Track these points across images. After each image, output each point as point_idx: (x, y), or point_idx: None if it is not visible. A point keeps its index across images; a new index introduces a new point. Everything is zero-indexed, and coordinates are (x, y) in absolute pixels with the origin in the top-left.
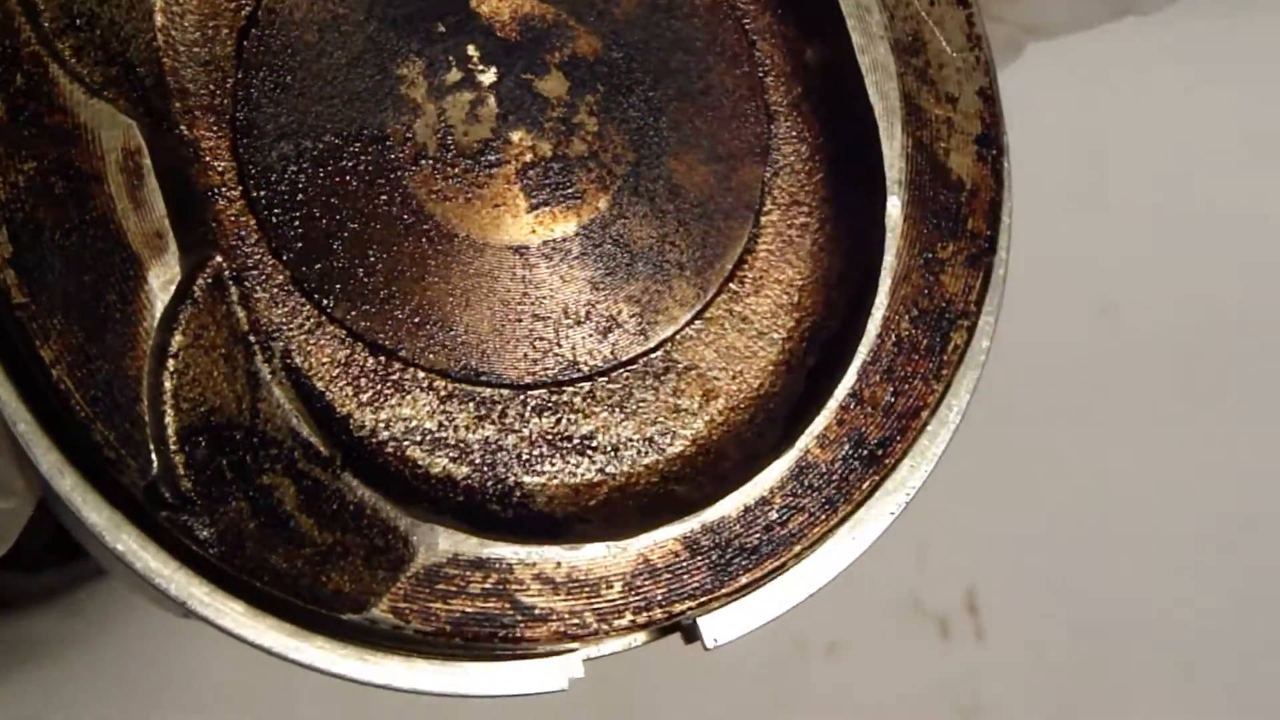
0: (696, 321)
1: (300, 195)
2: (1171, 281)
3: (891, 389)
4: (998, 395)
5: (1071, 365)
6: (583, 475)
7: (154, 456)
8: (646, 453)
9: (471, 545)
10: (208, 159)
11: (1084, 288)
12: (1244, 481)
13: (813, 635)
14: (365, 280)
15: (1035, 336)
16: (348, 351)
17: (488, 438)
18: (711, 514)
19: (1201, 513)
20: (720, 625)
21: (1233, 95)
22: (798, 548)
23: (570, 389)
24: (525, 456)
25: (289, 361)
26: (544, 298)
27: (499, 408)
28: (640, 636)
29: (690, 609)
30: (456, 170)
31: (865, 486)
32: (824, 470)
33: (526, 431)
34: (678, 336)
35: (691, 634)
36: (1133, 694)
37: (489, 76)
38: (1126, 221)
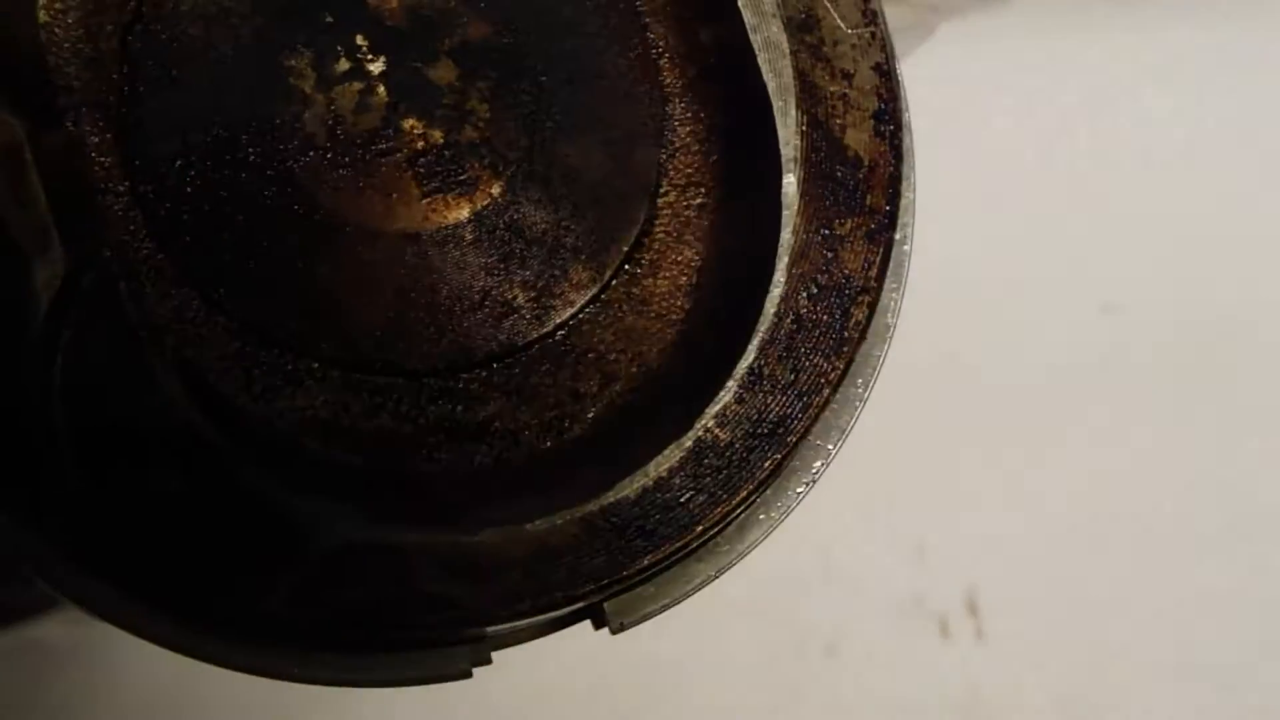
0: (593, 305)
1: (188, 189)
2: (1165, 278)
3: (791, 366)
4: (997, 395)
5: (1071, 364)
6: (480, 461)
7: (43, 457)
8: (544, 438)
9: (368, 533)
10: (93, 154)
11: (1084, 286)
12: (1246, 479)
13: (813, 635)
14: (256, 272)
15: (1033, 336)
16: (239, 344)
17: (383, 426)
18: (610, 497)
19: (1203, 511)
20: (625, 608)
21: (1178, 80)
22: (699, 528)
23: (466, 376)
24: (421, 444)
25: (180, 355)
26: (438, 285)
27: (394, 396)
28: (538, 623)
29: (591, 592)
30: (347, 160)
31: (768, 465)
32: (724, 450)
33: (422, 420)
34: (575, 320)
35: (599, 619)
36: (1132, 694)
37: (378, 65)
38: (1123, 218)
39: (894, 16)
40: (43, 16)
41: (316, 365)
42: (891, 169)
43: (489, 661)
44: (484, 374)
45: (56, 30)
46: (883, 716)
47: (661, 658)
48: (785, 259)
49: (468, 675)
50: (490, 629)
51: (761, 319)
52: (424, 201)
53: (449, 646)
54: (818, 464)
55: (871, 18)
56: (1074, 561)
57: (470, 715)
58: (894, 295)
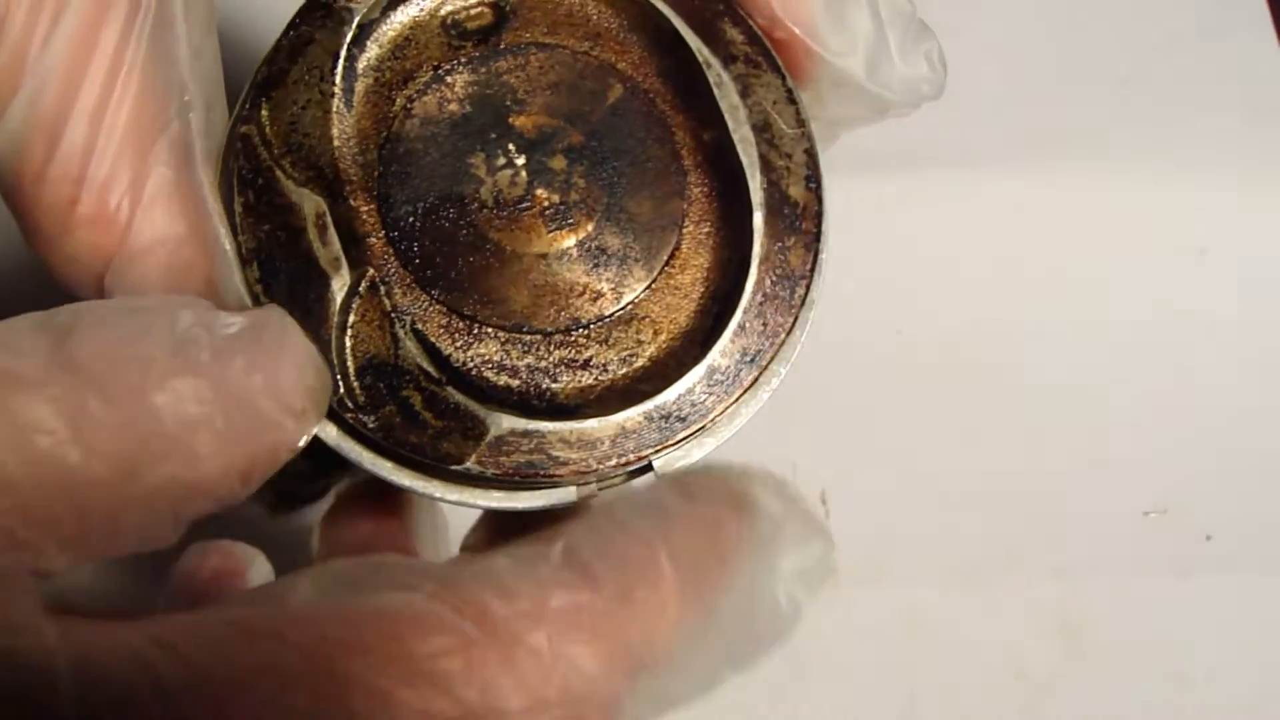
0: (647, 290)
1: (417, 233)
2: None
3: (761, 322)
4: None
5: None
6: (584, 381)
7: (340, 383)
8: (621, 367)
9: (521, 424)
10: (364, 216)
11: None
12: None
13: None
14: (456, 278)
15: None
16: (447, 319)
17: (530, 364)
18: (659, 399)
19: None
20: (666, 465)
21: None
22: (711, 415)
23: (576, 333)
24: (551, 372)
25: (415, 327)
26: (559, 282)
27: (535, 346)
28: (621, 474)
29: (648, 454)
30: (504, 214)
31: (748, 380)
32: (724, 370)
33: (553, 358)
34: (637, 299)
35: (651, 470)
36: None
37: (520, 160)
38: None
39: (818, 130)
40: (336, 143)
41: (490, 329)
42: (816, 207)
43: (595, 495)
44: (586, 332)
45: (344, 150)
46: None
47: None
48: (756, 261)
49: (574, 501)
50: (592, 478)
51: (744, 295)
52: (548, 235)
53: (566, 486)
54: (775, 380)
55: (803, 123)
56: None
57: None
58: (818, 279)
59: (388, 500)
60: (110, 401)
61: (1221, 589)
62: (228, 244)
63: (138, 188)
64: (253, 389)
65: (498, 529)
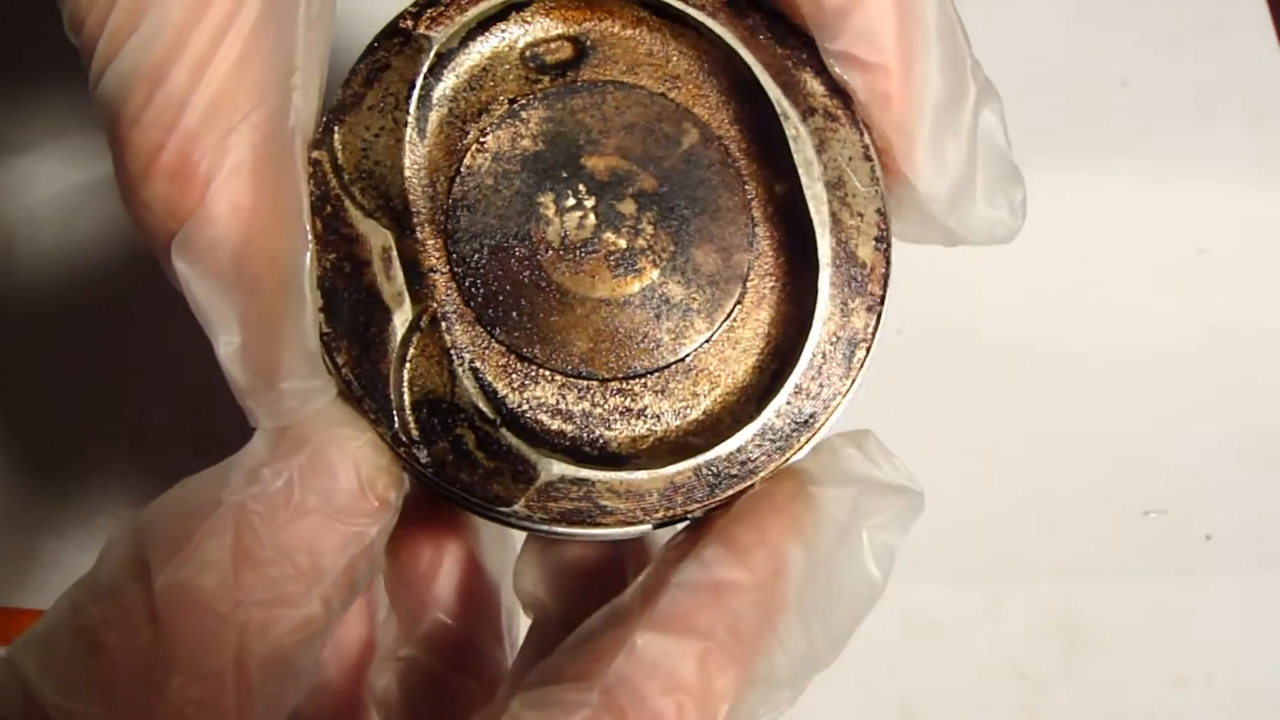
0: (707, 343)
1: (481, 270)
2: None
3: (819, 384)
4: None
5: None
6: (637, 431)
7: (396, 417)
8: (675, 419)
9: (572, 470)
10: (430, 250)
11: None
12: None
13: None
14: (517, 319)
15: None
16: (506, 360)
17: (585, 409)
18: (710, 455)
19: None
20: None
21: None
22: (761, 474)
23: (634, 381)
24: (605, 420)
25: (472, 365)
26: (619, 329)
27: (592, 392)
28: (667, 526)
29: (696, 509)
30: (570, 256)
31: (802, 440)
32: (778, 430)
33: (607, 406)
34: (696, 351)
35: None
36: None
37: (590, 202)
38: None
39: None
40: (407, 174)
41: (547, 372)
42: (884, 269)
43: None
44: (643, 381)
45: (414, 181)
46: None
47: None
48: (819, 320)
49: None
50: (638, 526)
51: (803, 354)
52: (613, 280)
53: (612, 529)
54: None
55: (876, 181)
56: None
57: None
58: (878, 341)
59: (449, 523)
60: (198, 621)
61: (1221, 589)
62: (307, 224)
63: (221, 149)
64: (316, 528)
65: (542, 650)
